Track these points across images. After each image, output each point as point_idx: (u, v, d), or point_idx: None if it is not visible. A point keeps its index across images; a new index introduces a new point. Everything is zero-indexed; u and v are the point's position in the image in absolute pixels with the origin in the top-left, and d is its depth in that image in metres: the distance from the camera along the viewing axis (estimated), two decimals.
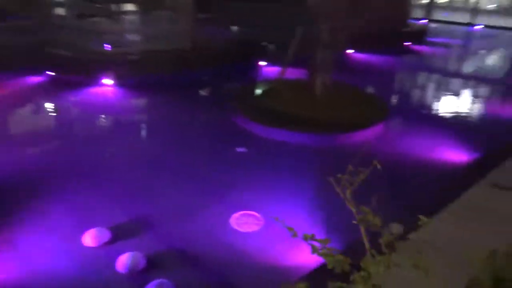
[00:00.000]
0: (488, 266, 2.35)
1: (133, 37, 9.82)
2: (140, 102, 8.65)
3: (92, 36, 9.12)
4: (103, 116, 7.73)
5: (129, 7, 10.03)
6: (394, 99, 9.47)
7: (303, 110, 6.92)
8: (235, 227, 4.20)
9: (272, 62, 10.75)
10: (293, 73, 8.12)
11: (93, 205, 4.47)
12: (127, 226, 4.09)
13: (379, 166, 1.43)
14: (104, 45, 8.99)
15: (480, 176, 4.64)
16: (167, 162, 5.64)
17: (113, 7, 9.71)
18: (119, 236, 3.91)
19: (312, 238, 1.36)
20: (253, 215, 4.41)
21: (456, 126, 7.67)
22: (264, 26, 11.28)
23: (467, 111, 8.71)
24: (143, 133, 7.17)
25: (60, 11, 10.13)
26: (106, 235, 3.87)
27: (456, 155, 6.02)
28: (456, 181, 4.92)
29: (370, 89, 9.77)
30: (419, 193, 4.51)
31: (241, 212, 4.44)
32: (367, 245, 1.33)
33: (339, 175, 1.39)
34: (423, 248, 3.14)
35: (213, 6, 11.39)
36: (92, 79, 8.77)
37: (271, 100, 7.50)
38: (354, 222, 1.34)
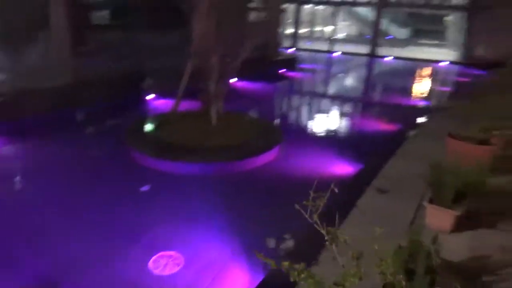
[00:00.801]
0: (397, 260, 2.75)
1: None
2: (12, 149, 7.52)
3: None
4: None
5: None
6: (283, 123, 10.25)
7: (199, 140, 6.97)
8: (155, 271, 3.98)
9: (162, 94, 10.60)
10: (185, 105, 8.17)
11: None
12: None
13: (336, 190, 1.60)
14: None
15: (367, 183, 5.39)
16: (62, 210, 5.05)
17: None
18: None
19: (290, 266, 1.44)
20: (171, 255, 4.26)
21: (337, 141, 8.70)
22: (150, 58, 11.08)
23: (342, 127, 9.95)
24: (25, 184, 6.27)
25: None
26: None
27: (342, 167, 6.81)
28: (349, 190, 5.54)
29: (259, 115, 10.38)
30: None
31: (158, 254, 4.24)
32: (340, 262, 1.46)
33: (304, 202, 1.51)
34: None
35: (94, 38, 10.72)
36: None
37: (166, 132, 7.37)
38: (326, 240, 1.46)
